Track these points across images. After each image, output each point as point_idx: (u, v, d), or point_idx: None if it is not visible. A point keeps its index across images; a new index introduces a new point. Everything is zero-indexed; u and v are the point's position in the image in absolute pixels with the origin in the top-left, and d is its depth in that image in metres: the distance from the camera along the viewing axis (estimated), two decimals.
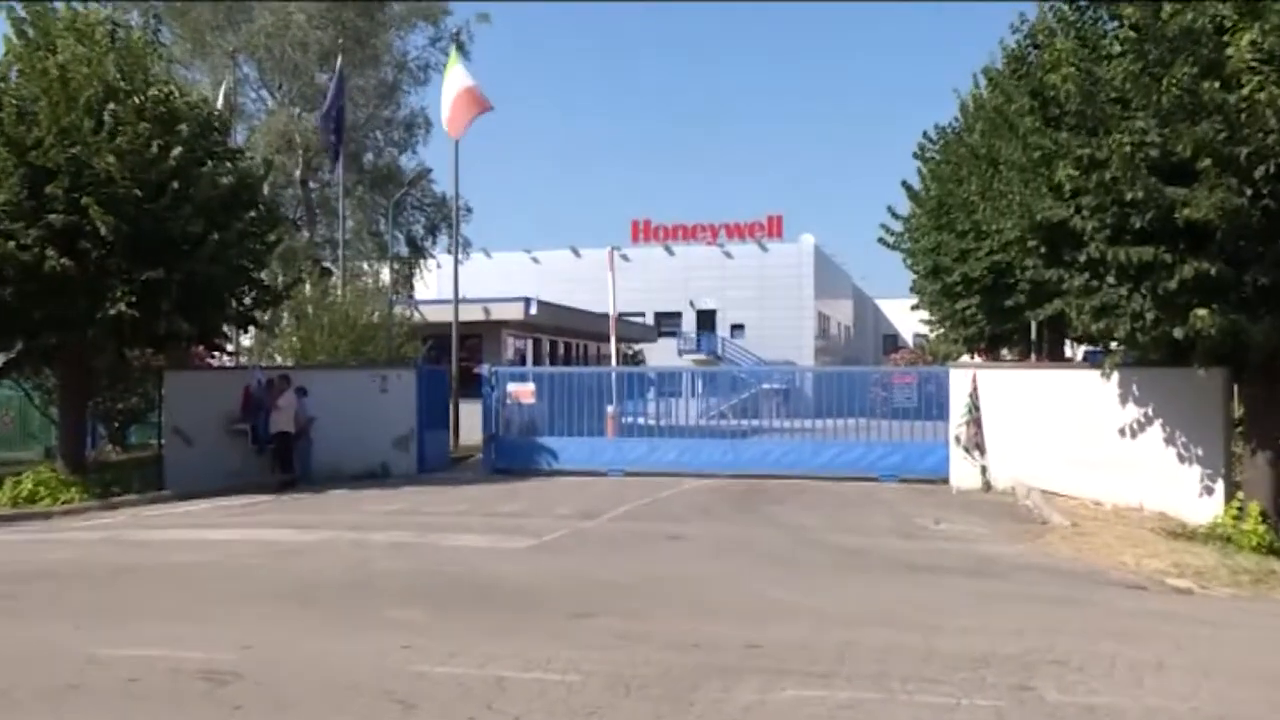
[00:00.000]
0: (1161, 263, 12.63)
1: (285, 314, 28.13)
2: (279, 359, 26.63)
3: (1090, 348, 21.96)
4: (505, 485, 19.84)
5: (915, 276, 24.47)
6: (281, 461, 20.23)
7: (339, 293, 27.77)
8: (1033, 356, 22.62)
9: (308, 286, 28.26)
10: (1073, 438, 17.26)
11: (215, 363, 25.80)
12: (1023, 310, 19.30)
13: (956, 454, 18.95)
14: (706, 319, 61.39)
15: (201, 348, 21.57)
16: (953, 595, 9.92)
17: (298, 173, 34.98)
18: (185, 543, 13.15)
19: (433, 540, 13.06)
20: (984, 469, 18.64)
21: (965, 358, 27.54)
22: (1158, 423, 15.91)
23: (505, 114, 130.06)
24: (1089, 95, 12.65)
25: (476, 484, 20.18)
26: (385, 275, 34.70)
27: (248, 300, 19.60)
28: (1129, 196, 12.54)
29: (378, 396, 21.68)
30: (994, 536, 13.68)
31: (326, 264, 35.03)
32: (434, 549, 12.47)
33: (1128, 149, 12.25)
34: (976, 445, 18.61)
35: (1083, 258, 13.49)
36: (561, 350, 38.82)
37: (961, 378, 19.16)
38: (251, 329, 23.72)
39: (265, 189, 21.09)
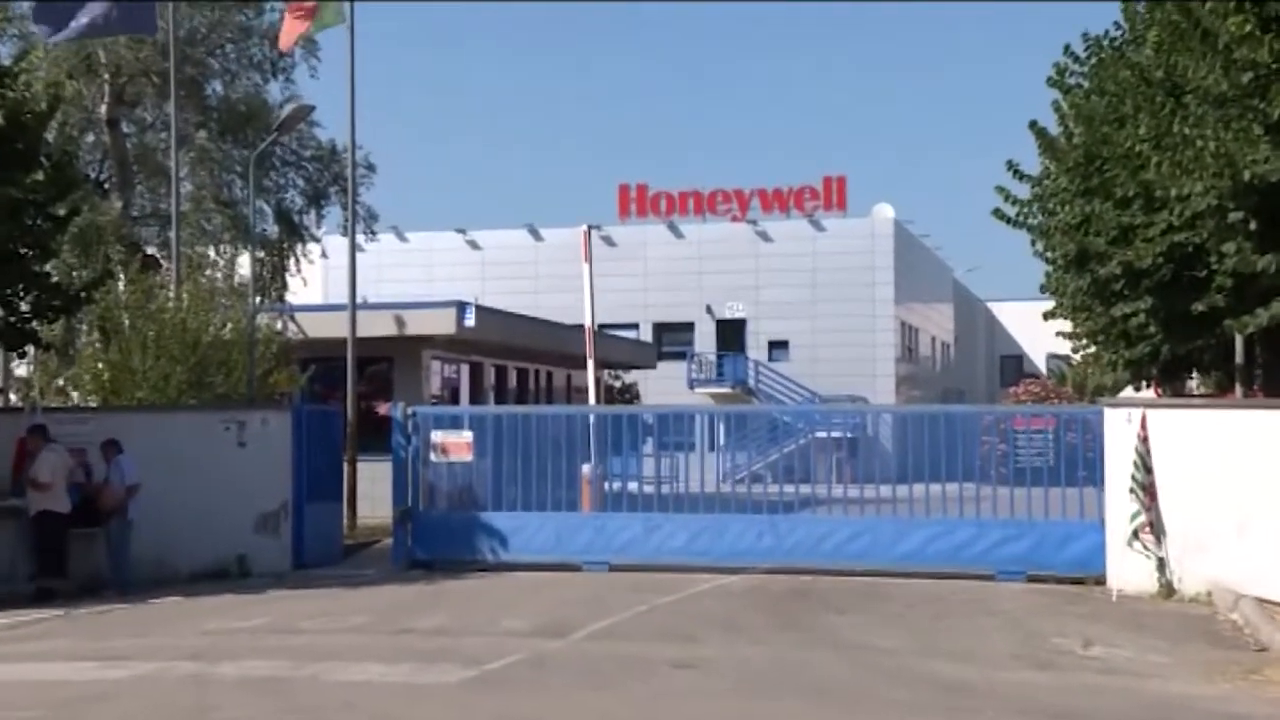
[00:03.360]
0: None
1: (86, 326, 27.82)
2: (75, 396, 26.36)
3: None
4: (428, 586, 19.74)
5: (1050, 269, 24.37)
6: (42, 559, 19.81)
7: (171, 294, 27.52)
8: (1238, 389, 22.43)
9: (122, 284, 28.00)
10: None
11: None
12: (1221, 318, 19.12)
13: (1117, 539, 18.76)
14: (732, 333, 61.31)
15: None
16: None
17: (103, 109, 34.71)
18: None
19: (314, 673, 12.96)
20: (1161, 563, 18.47)
21: (1129, 391, 27.34)
22: None
23: (441, 48, 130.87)
24: None
25: (384, 585, 20.03)
26: (244, 267, 34.45)
27: (24, 305, 19.33)
28: None
29: (232, 453, 21.57)
30: (1180, 669, 13.48)
31: (151, 250, 34.77)
32: (315, 687, 12.34)
33: None
34: (1149, 526, 18.41)
35: None
36: (513, 380, 38.61)
37: (1123, 422, 18.98)
38: (30, 350, 23.44)
39: (51, 133, 20.86)
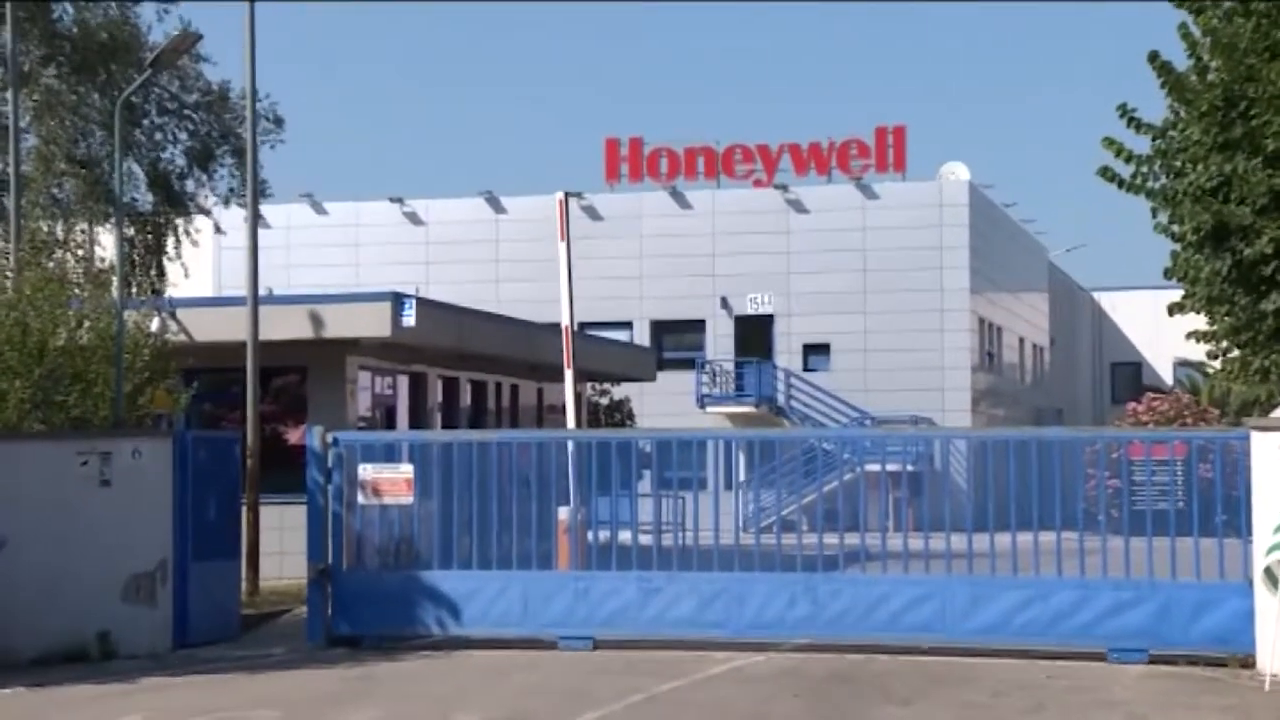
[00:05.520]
0: None
1: None
2: None
3: None
4: (354, 670, 19.73)
5: (1179, 247, 24.32)
6: None
7: (8, 284, 27.49)
8: None
9: None
10: None
11: None
12: None
13: (1270, 606, 18.78)
14: (755, 334, 61.31)
15: None
16: None
17: None
18: None
19: None
20: None
21: None
22: None
23: None
24: None
25: (296, 668, 20.01)
26: (107, 248, 34.40)
27: None
28: None
29: (92, 494, 21.55)
30: None
31: None
32: None
33: None
34: None
35: None
36: (467, 396, 38.59)
37: (1277, 449, 18.99)
38: None
39: None
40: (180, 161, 38.06)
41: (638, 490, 23.85)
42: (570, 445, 24.55)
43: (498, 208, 62.04)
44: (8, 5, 28.18)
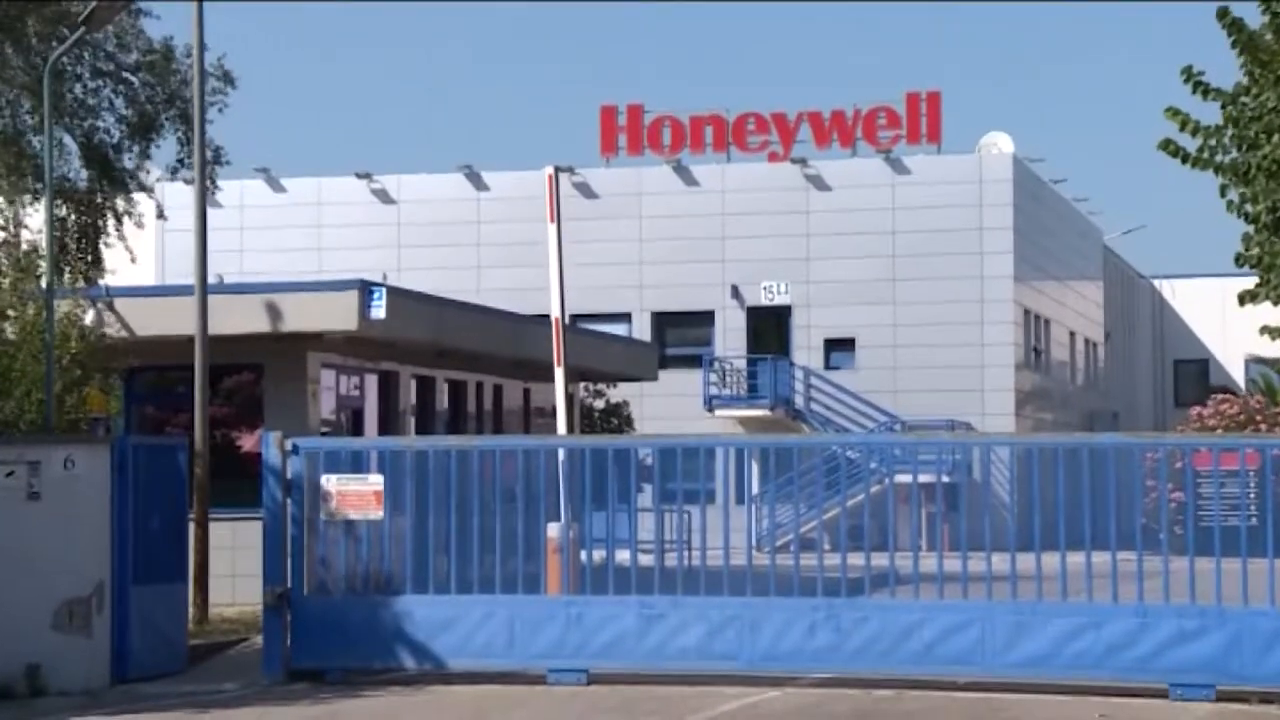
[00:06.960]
0: None
1: None
2: None
3: None
4: (316, 708, 19.79)
5: (1251, 229, 24.34)
6: None
7: None
8: None
9: None
10: None
11: None
12: None
13: None
14: (769, 327, 61.36)
15: None
16: None
17: None
18: None
19: None
20: None
21: None
22: None
23: None
24: None
25: (250, 706, 20.01)
26: (35, 231, 34.40)
27: None
28: None
29: (19, 510, 21.58)
30: None
31: None
32: None
33: None
34: None
35: None
36: (445, 399, 38.62)
37: None
38: None
39: None
40: (117, 132, 38.04)
41: (637, 504, 23.86)
42: (561, 453, 24.56)
43: (479, 184, 62.02)
44: None
